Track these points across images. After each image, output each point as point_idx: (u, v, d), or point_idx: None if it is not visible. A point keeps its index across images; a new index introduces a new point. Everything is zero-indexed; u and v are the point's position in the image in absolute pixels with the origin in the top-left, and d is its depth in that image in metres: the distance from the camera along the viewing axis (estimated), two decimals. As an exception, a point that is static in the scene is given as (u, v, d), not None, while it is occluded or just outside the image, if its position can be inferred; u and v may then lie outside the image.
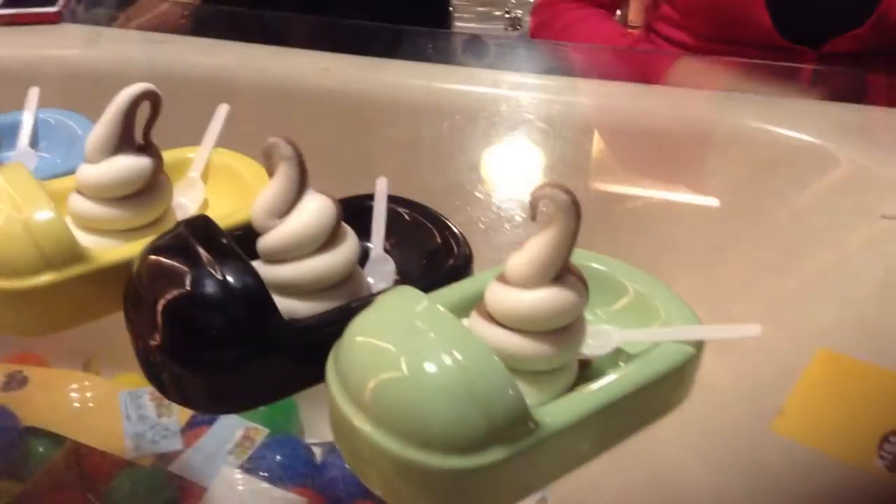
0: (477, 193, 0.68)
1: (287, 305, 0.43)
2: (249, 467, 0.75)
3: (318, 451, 0.80)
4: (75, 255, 0.46)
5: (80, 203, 0.49)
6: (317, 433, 0.79)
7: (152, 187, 0.50)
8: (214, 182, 0.57)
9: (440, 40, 0.93)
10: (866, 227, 0.58)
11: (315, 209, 0.44)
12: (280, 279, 0.44)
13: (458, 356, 0.34)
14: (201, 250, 0.42)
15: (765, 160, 0.68)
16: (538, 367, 0.39)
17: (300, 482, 0.75)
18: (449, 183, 0.67)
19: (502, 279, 0.39)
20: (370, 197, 0.51)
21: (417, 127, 0.73)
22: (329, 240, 0.44)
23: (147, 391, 0.80)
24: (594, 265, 0.45)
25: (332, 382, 0.38)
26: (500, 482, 0.35)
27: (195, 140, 0.58)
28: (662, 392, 0.40)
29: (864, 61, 0.80)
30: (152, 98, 0.49)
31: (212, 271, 0.41)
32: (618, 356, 0.42)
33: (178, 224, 0.45)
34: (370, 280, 0.48)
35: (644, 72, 0.74)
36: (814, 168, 0.66)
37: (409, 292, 0.39)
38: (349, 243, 0.45)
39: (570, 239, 0.38)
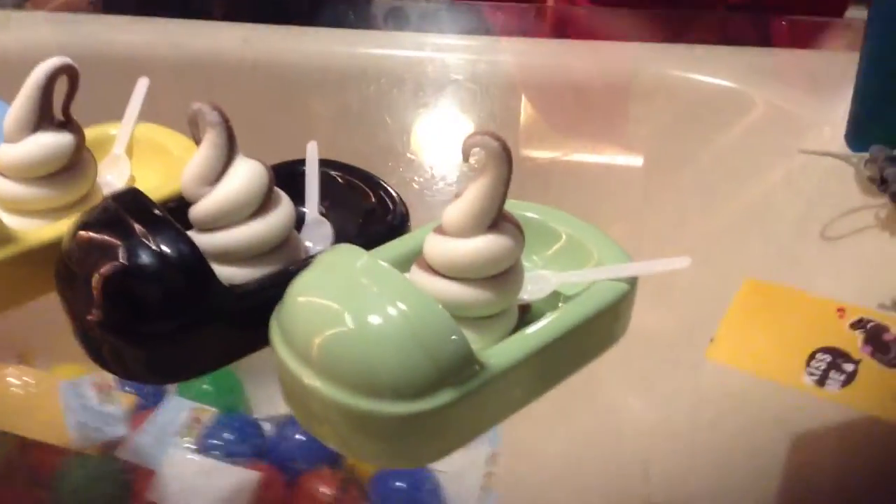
0: (409, 154, 0.68)
1: (224, 273, 0.43)
2: (200, 447, 0.75)
3: (267, 427, 0.79)
4: (2, 237, 0.44)
5: (1, 184, 0.47)
6: (264, 409, 0.79)
7: (76, 164, 0.49)
8: (140, 157, 0.56)
9: (360, 8, 0.93)
10: (785, 163, 0.61)
11: (246, 174, 0.43)
12: (215, 247, 0.43)
13: (402, 306, 0.35)
14: (133, 221, 0.41)
15: (685, 107, 0.70)
16: (480, 312, 0.40)
17: (253, 457, 0.75)
18: (380, 146, 0.67)
19: (440, 230, 0.40)
20: (301, 162, 0.51)
21: (344, 93, 0.73)
22: (262, 205, 0.44)
23: (88, 380, 0.79)
24: (528, 214, 0.46)
25: (278, 344, 0.38)
26: (450, 424, 0.36)
27: (117, 118, 0.57)
28: (600, 329, 0.41)
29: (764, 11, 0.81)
30: (69, 72, 0.47)
31: (145, 241, 0.40)
32: (556, 298, 0.43)
33: (107, 198, 0.44)
34: (307, 244, 0.48)
35: (561, 26, 0.75)
36: (732, 112, 0.68)
37: (349, 249, 0.39)
38: (283, 207, 0.45)
39: (503, 186, 0.39)
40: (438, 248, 0.39)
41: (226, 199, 0.43)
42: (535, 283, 0.43)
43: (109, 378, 0.78)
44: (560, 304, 0.42)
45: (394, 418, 0.34)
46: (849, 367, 0.43)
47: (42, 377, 0.78)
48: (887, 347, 0.44)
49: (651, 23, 0.79)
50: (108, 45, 0.77)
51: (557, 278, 0.43)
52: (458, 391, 0.35)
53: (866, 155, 0.57)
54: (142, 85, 0.57)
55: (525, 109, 0.74)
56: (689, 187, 0.65)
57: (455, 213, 0.39)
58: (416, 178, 0.65)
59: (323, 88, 0.74)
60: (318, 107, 0.73)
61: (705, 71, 0.69)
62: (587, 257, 0.44)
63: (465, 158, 0.38)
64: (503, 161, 0.38)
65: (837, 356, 0.43)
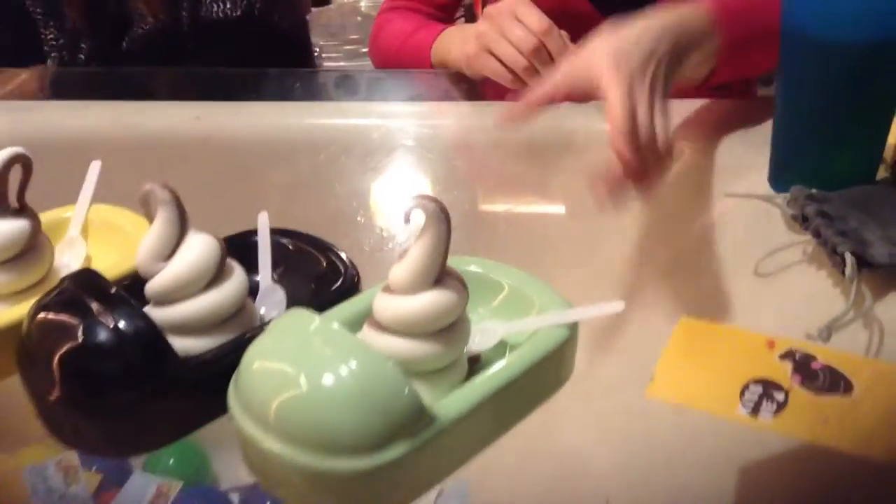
0: (359, 218, 0.71)
1: (181, 344, 0.44)
2: (168, 522, 0.74)
3: (234, 497, 0.79)
4: (-41, 322, 0.46)
5: (-42, 273, 0.49)
6: (231, 479, 0.79)
7: (32, 249, 0.50)
8: (95, 238, 0.58)
9: (306, 79, 0.96)
10: (714, 207, 0.64)
11: (198, 248, 0.45)
12: (171, 320, 0.45)
13: (353, 366, 0.37)
14: (89, 301, 0.43)
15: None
16: (429, 366, 0.42)
17: (220, 528, 0.75)
18: (330, 212, 0.70)
19: (387, 289, 0.42)
20: (254, 232, 0.53)
21: (294, 163, 0.75)
22: (216, 276, 0.46)
23: (52, 462, 0.78)
24: (470, 268, 0.48)
25: (236, 411, 0.40)
26: (406, 475, 0.37)
27: (72, 201, 0.58)
28: (546, 374, 0.43)
29: None
30: (23, 161, 0.49)
31: (102, 320, 0.42)
32: (503, 347, 0.46)
33: (63, 279, 0.46)
34: (262, 310, 0.50)
35: (501, 90, 0.78)
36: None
37: (301, 313, 0.41)
38: (236, 278, 0.47)
39: (444, 244, 0.41)
40: (386, 305, 0.42)
41: (179, 273, 0.45)
42: (483, 334, 0.45)
43: (74, 459, 0.78)
44: (507, 353, 0.45)
45: (350, 474, 0.36)
46: (780, 396, 0.45)
47: (5, 461, 0.78)
48: (815, 375, 0.46)
49: None
50: (60, 129, 0.78)
51: (503, 328, 0.45)
52: (411, 443, 0.37)
53: (787, 195, 0.61)
54: (94, 168, 0.59)
55: (467, 168, 0.77)
56: (625, 233, 0.68)
57: (400, 272, 0.41)
58: (366, 241, 0.67)
59: (274, 159, 0.76)
60: (269, 177, 0.75)
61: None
62: (529, 306, 0.46)
63: (406, 220, 0.40)
64: (441, 221, 0.41)
65: (769, 386, 0.46)
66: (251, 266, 0.50)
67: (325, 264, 0.52)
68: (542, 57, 0.74)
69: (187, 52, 1.14)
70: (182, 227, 0.46)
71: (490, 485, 0.60)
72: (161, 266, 0.45)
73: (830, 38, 0.57)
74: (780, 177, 0.64)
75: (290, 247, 0.53)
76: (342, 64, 1.94)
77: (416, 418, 0.37)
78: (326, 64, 1.90)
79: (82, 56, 1.19)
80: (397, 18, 0.98)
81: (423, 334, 0.41)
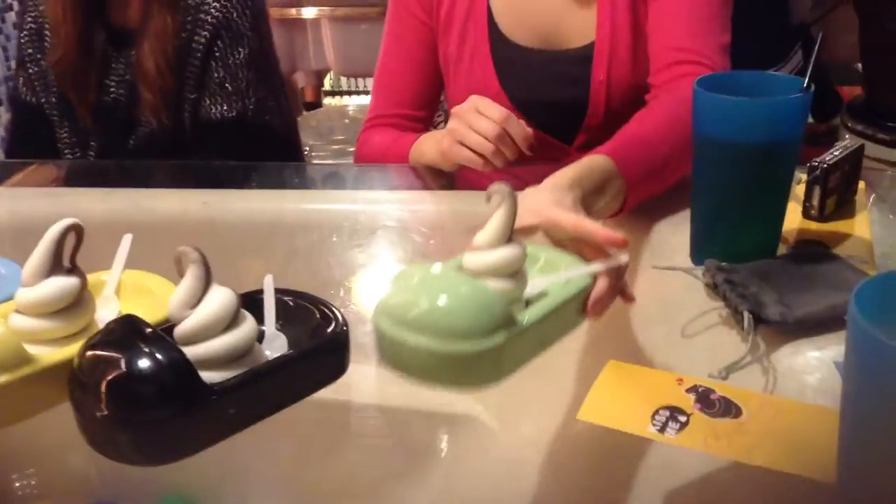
0: (346, 283, 0.82)
1: (204, 376, 0.55)
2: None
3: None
4: (22, 359, 0.56)
5: (20, 320, 0.60)
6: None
7: (80, 302, 0.61)
8: (126, 297, 0.69)
9: (300, 172, 1.09)
10: (645, 276, 0.76)
11: (220, 298, 0.57)
12: (196, 356, 0.56)
13: (470, 285, 0.55)
14: (132, 338, 0.54)
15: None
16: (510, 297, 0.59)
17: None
18: (323, 279, 0.81)
19: (472, 249, 0.59)
20: (260, 291, 0.64)
21: (291, 240, 0.87)
22: (232, 322, 0.57)
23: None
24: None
25: (385, 324, 0.55)
26: (505, 356, 0.55)
27: (98, 270, 0.69)
28: (573, 308, 0.61)
29: None
30: (77, 229, 0.61)
31: (144, 352, 0.53)
32: (543, 296, 0.61)
33: (108, 324, 0.57)
34: (267, 353, 0.61)
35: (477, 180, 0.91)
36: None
37: (426, 265, 0.57)
38: (248, 324, 0.58)
39: (514, 213, 0.59)
40: (475, 258, 0.59)
41: (205, 318, 0.56)
42: (531, 287, 0.61)
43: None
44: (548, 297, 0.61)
45: (468, 354, 0.53)
46: (683, 418, 0.56)
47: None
48: (712, 403, 0.58)
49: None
50: (87, 212, 0.90)
51: (545, 281, 0.62)
52: (506, 335, 0.54)
53: (703, 267, 0.73)
54: (126, 240, 0.71)
55: (441, 246, 0.89)
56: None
57: (485, 234, 0.59)
58: (353, 303, 0.78)
59: (274, 238, 0.88)
60: (270, 252, 0.86)
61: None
62: (559, 268, 0.64)
63: (487, 199, 0.59)
64: (512, 197, 0.59)
65: (674, 411, 0.57)
66: (257, 318, 0.62)
67: (319, 316, 0.63)
68: (506, 141, 0.88)
69: (188, 150, 1.26)
70: (207, 282, 0.57)
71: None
72: (189, 312, 0.56)
73: (731, 141, 0.71)
74: (697, 252, 0.77)
75: (290, 302, 0.65)
76: (330, 162, 2.08)
77: (508, 320, 0.55)
78: (315, 162, 2.04)
79: (92, 153, 1.30)
80: (378, 133, 1.12)
81: (501, 276, 0.58)
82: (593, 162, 0.78)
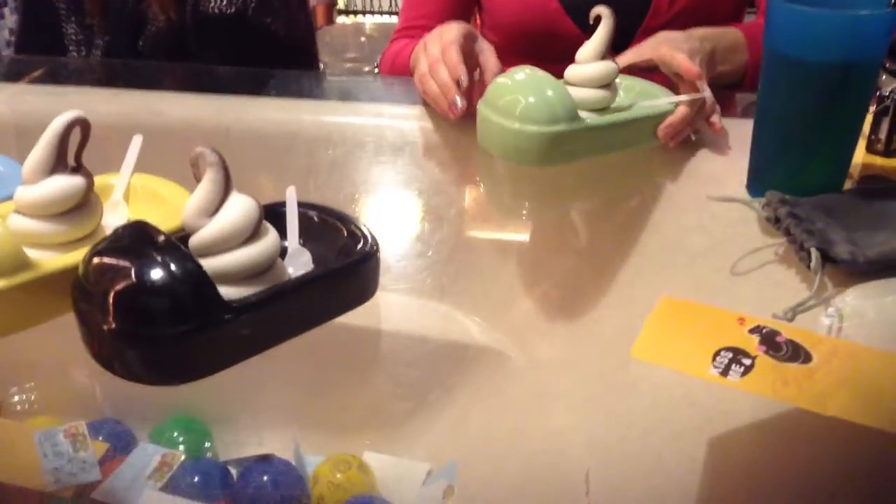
0: (373, 202, 0.77)
1: (222, 292, 0.50)
2: (170, 489, 0.79)
3: (233, 471, 0.84)
4: (21, 264, 0.51)
5: (20, 221, 0.54)
6: (230, 453, 0.84)
7: (85, 204, 0.56)
8: (136, 203, 0.63)
9: (323, 79, 1.02)
10: (698, 208, 0.70)
11: (241, 207, 0.51)
12: (213, 269, 0.50)
13: (541, 86, 0.72)
14: (142, 246, 0.49)
15: (625, 160, 0.80)
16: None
17: (219, 498, 0.80)
18: (347, 196, 0.76)
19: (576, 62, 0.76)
20: (282, 204, 0.58)
21: (312, 155, 0.81)
22: (253, 234, 0.52)
23: (61, 430, 0.83)
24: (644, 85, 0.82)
25: (490, 112, 0.73)
26: (566, 144, 0.71)
27: (108, 171, 0.64)
28: (649, 125, 0.76)
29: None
30: (83, 124, 0.55)
31: (156, 261, 0.47)
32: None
33: (117, 229, 0.51)
34: (290, 270, 0.55)
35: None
36: (655, 167, 0.78)
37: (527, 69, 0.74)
38: (270, 236, 0.53)
39: (609, 37, 0.74)
40: (575, 69, 0.76)
41: (224, 227, 0.50)
42: (620, 101, 0.78)
43: (81, 427, 0.83)
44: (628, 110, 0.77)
45: (544, 134, 0.70)
46: (747, 361, 0.51)
47: (17, 427, 0.82)
48: (779, 346, 0.53)
49: None
50: (94, 112, 0.84)
51: (633, 99, 0.79)
52: (570, 125, 0.71)
53: (763, 200, 0.67)
54: (136, 141, 0.65)
55: (481, 169, 0.83)
56: (619, 227, 0.74)
57: (585, 49, 0.75)
58: (379, 221, 0.73)
59: (293, 150, 0.82)
60: (289, 165, 0.81)
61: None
62: (652, 96, 0.78)
63: (592, 20, 0.73)
64: (610, 20, 0.74)
65: (738, 353, 0.52)
66: (280, 232, 0.56)
67: (346, 233, 0.58)
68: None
69: (191, 51, 1.20)
70: (227, 188, 0.51)
71: (477, 463, 0.66)
72: (206, 221, 0.51)
73: (804, 59, 0.64)
74: (756, 183, 0.71)
75: (316, 218, 0.59)
76: (345, 78, 2.00)
77: (573, 115, 0.71)
78: (330, 78, 1.96)
79: (98, 52, 1.25)
80: (399, 45, 1.04)
81: (594, 87, 0.75)
82: (726, 30, 0.86)
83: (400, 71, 1.00)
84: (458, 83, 0.76)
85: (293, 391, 0.61)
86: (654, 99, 0.78)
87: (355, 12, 3.91)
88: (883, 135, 0.77)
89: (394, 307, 0.63)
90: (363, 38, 2.30)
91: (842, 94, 0.64)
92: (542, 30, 0.93)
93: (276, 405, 0.63)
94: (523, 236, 0.77)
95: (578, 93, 0.75)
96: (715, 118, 0.78)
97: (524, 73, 0.73)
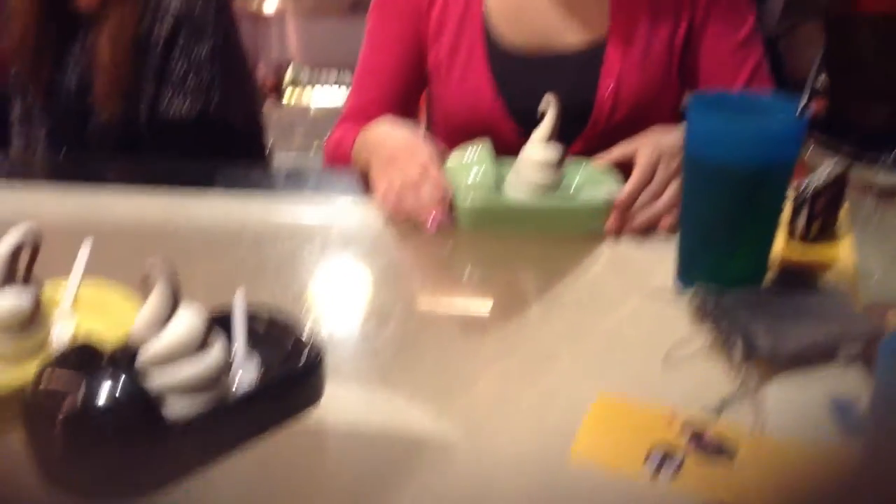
0: (319, 302, 0.79)
1: (170, 404, 0.51)
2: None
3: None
4: (-31, 380, 0.52)
5: (-32, 336, 0.55)
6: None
7: (34, 318, 0.57)
8: (84, 311, 0.64)
9: (271, 174, 1.05)
10: (631, 300, 0.74)
11: (188, 319, 0.53)
12: (161, 383, 0.52)
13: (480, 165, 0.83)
14: (89, 366, 0.50)
15: (554, 254, 0.83)
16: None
17: None
18: (294, 295, 0.77)
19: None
20: (230, 308, 0.60)
21: (260, 250, 0.83)
22: (201, 345, 0.53)
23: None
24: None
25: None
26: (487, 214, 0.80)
27: (49, 276, 0.65)
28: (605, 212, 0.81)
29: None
30: (34, 236, 0.56)
31: (102, 384, 0.49)
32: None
33: (65, 350, 0.53)
34: (238, 376, 0.57)
35: None
36: (589, 258, 0.82)
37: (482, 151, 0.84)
38: (217, 347, 0.54)
39: (554, 122, 0.81)
40: (526, 149, 0.83)
41: (171, 341, 0.52)
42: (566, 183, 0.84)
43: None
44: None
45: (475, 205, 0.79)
46: (677, 459, 0.54)
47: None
48: (706, 444, 0.56)
49: None
50: (41, 212, 0.85)
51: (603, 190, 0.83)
52: (486, 202, 0.80)
53: (691, 291, 0.71)
54: (86, 245, 0.66)
55: (425, 259, 0.86)
56: (554, 322, 0.77)
57: (537, 132, 0.82)
58: (325, 323, 0.74)
59: (240, 247, 0.84)
60: (236, 263, 0.82)
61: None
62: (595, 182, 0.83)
63: (540, 113, 0.80)
64: (556, 108, 0.82)
65: (668, 452, 0.55)
66: (228, 336, 0.58)
67: (293, 338, 0.59)
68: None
69: (143, 145, 1.20)
70: (176, 300, 0.53)
71: None
72: (155, 334, 0.52)
73: (720, 164, 0.68)
74: (685, 275, 0.75)
75: (263, 321, 0.61)
76: (292, 159, 2.03)
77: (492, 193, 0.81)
78: (276, 159, 1.99)
79: (42, 138, 1.25)
80: (344, 130, 1.06)
81: (539, 168, 0.82)
82: None
83: (342, 156, 1.02)
84: (441, 201, 0.80)
85: (242, 495, 0.61)
86: (599, 185, 0.84)
87: (303, 84, 3.98)
88: (802, 224, 0.82)
89: (340, 408, 0.64)
90: (310, 116, 2.34)
91: (757, 196, 0.69)
92: (484, 127, 0.98)
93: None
94: (468, 331, 0.80)
95: (523, 174, 0.82)
96: (664, 220, 0.81)
97: (473, 150, 0.84)
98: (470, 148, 0.85)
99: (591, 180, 0.86)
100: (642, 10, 0.99)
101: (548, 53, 1.01)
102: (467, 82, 1.02)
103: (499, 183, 0.81)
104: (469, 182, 0.81)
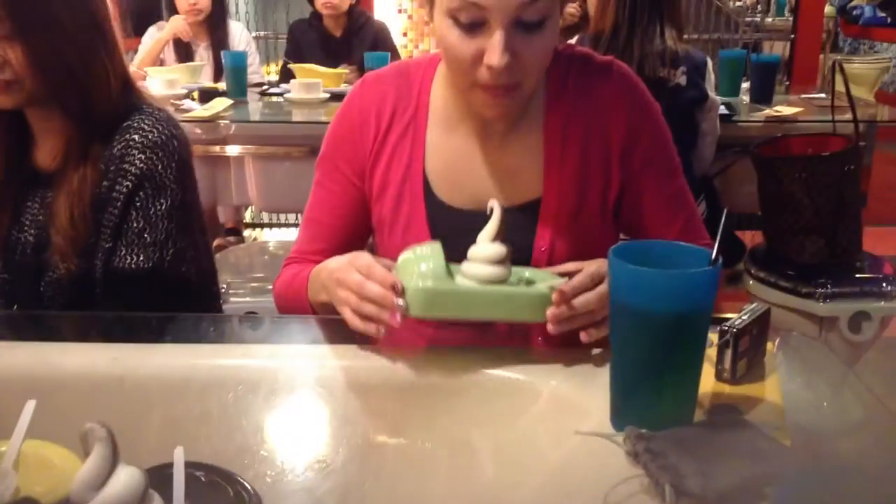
0: (262, 452, 0.79)
1: (105, 565, 0.52)
2: None
3: None
4: None
5: None
6: None
7: (-27, 480, 0.57)
8: (26, 470, 0.64)
9: (219, 322, 1.07)
10: (566, 442, 0.76)
11: (126, 480, 0.54)
12: (98, 544, 0.52)
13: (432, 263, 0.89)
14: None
15: (491, 398, 0.86)
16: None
17: None
18: (238, 446, 0.78)
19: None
20: (170, 465, 0.61)
21: (205, 401, 0.84)
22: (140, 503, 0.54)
23: None
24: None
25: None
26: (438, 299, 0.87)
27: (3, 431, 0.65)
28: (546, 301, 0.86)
29: None
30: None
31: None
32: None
33: (3, 508, 0.53)
34: (175, 536, 0.57)
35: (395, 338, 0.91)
36: (523, 400, 0.85)
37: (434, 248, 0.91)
38: (156, 505, 0.55)
39: (499, 222, 0.90)
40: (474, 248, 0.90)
41: (110, 500, 0.53)
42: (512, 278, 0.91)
43: None
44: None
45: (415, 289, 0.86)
46: None
47: None
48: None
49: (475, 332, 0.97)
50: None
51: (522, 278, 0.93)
52: (436, 286, 0.87)
53: (623, 434, 0.74)
54: (29, 407, 0.67)
55: (363, 406, 0.88)
56: (492, 464, 0.79)
57: (483, 233, 0.90)
58: (268, 473, 0.75)
59: (186, 397, 0.85)
60: (182, 413, 0.83)
61: (504, 367, 0.87)
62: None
63: (488, 211, 0.90)
64: (500, 209, 0.91)
65: None
66: (167, 494, 0.59)
67: (232, 493, 0.61)
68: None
69: (96, 298, 1.21)
70: (114, 462, 0.54)
71: None
72: (94, 495, 0.53)
73: (642, 310, 0.73)
74: (617, 417, 0.77)
75: (202, 478, 0.62)
76: (248, 300, 2.05)
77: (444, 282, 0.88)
78: (233, 300, 2.01)
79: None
80: (293, 270, 1.11)
81: (489, 264, 0.89)
82: None
83: (296, 290, 1.05)
84: (393, 288, 0.85)
85: None
86: (544, 281, 0.91)
87: (262, 225, 4.05)
88: (728, 364, 0.86)
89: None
90: (266, 257, 2.38)
91: (678, 339, 0.73)
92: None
93: None
94: (409, 478, 0.81)
95: (472, 268, 0.89)
96: (585, 333, 0.87)
97: (424, 247, 0.91)
98: (420, 246, 0.91)
99: (538, 278, 0.93)
100: (574, 172, 1.05)
101: (485, 210, 1.07)
102: (409, 238, 1.06)
103: (449, 276, 0.88)
104: (420, 270, 0.87)
